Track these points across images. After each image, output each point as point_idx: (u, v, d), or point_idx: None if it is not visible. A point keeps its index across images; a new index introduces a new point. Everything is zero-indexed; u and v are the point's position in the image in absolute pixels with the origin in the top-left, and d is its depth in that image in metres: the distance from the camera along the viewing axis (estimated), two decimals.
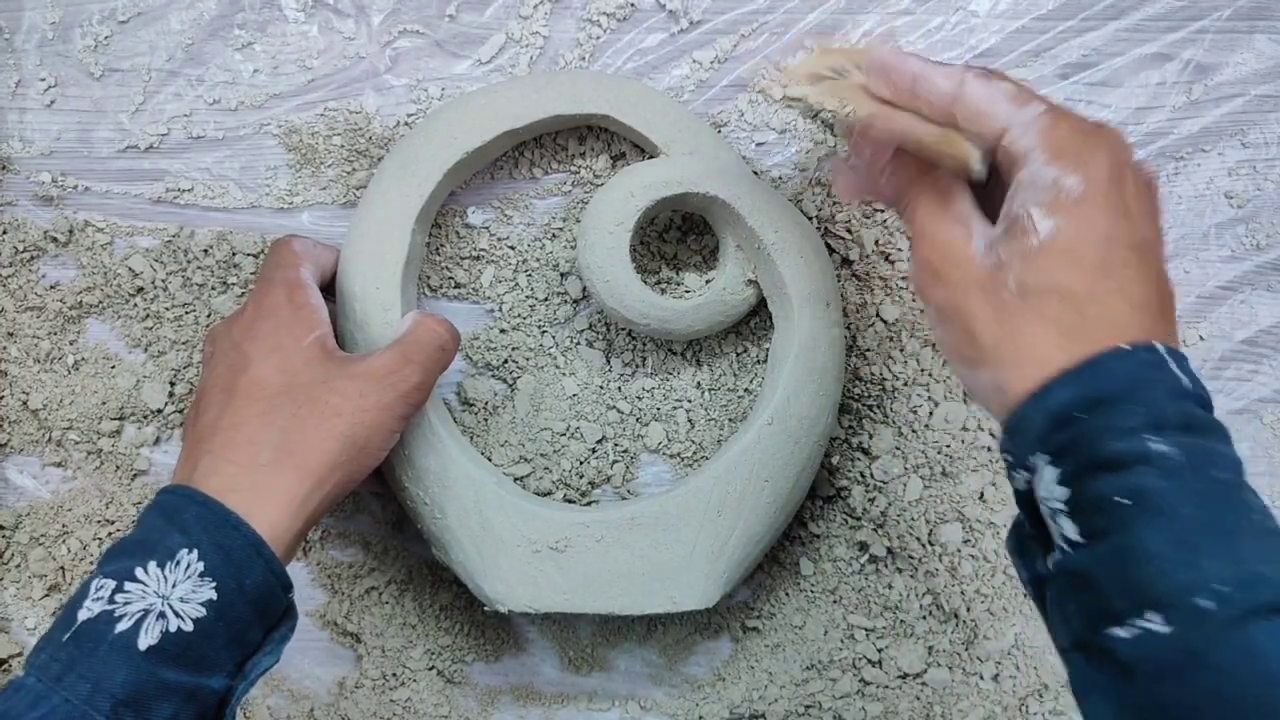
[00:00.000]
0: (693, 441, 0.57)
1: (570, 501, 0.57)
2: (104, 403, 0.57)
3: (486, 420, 0.57)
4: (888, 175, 0.42)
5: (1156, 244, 0.38)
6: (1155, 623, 0.32)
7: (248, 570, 0.41)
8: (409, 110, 0.56)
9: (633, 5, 0.56)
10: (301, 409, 0.45)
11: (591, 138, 0.56)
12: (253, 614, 0.42)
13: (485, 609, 0.53)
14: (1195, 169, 0.57)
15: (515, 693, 0.59)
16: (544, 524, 0.52)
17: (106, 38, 0.57)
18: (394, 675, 0.58)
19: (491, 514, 0.52)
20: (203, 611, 0.40)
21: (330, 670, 0.59)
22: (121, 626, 0.39)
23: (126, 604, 0.39)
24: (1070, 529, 0.34)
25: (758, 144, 0.56)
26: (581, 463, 0.57)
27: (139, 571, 0.40)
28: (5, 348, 0.58)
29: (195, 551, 0.41)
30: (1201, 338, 0.57)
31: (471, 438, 0.57)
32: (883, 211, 0.56)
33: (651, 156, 0.54)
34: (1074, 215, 0.36)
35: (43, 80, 0.57)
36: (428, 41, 0.57)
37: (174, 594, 0.40)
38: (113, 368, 0.58)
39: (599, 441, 0.57)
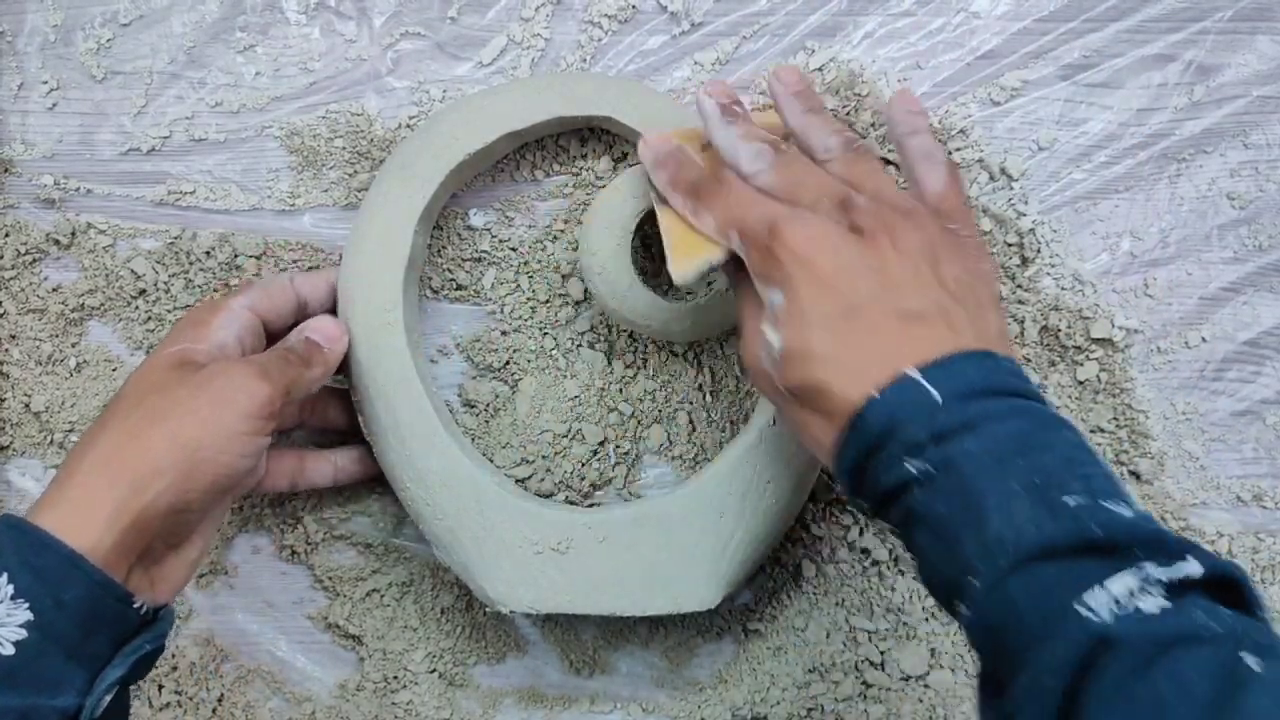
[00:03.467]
0: (694, 443, 0.57)
1: (572, 503, 0.57)
2: (106, 405, 0.57)
3: (488, 422, 0.57)
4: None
5: (887, 277, 0.40)
6: (962, 609, 0.37)
7: (65, 586, 0.40)
8: (410, 112, 0.56)
9: (634, 7, 0.56)
10: (131, 417, 0.44)
11: (593, 139, 0.56)
12: (82, 629, 0.41)
13: (487, 610, 0.53)
14: (1197, 170, 0.57)
15: (517, 695, 0.59)
16: (546, 525, 0.52)
17: (108, 40, 0.57)
18: (395, 678, 0.58)
19: (493, 514, 0.52)
20: (22, 634, 0.39)
21: (331, 673, 0.59)
22: None
23: None
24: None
25: None
26: (583, 465, 0.57)
27: None
28: (7, 350, 0.58)
29: (4, 575, 0.40)
30: (1204, 339, 0.57)
31: (473, 439, 0.57)
32: None
33: None
34: (788, 325, 0.40)
35: (45, 83, 0.57)
36: (429, 44, 0.57)
37: None
38: (115, 370, 0.58)
39: (600, 443, 0.57)
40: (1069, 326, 0.56)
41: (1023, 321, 0.56)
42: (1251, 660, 0.30)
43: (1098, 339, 0.56)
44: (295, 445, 0.56)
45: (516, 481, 0.56)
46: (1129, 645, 0.31)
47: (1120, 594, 0.33)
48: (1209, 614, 0.32)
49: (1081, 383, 0.57)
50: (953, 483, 0.36)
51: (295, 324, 0.52)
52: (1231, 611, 0.33)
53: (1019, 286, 0.56)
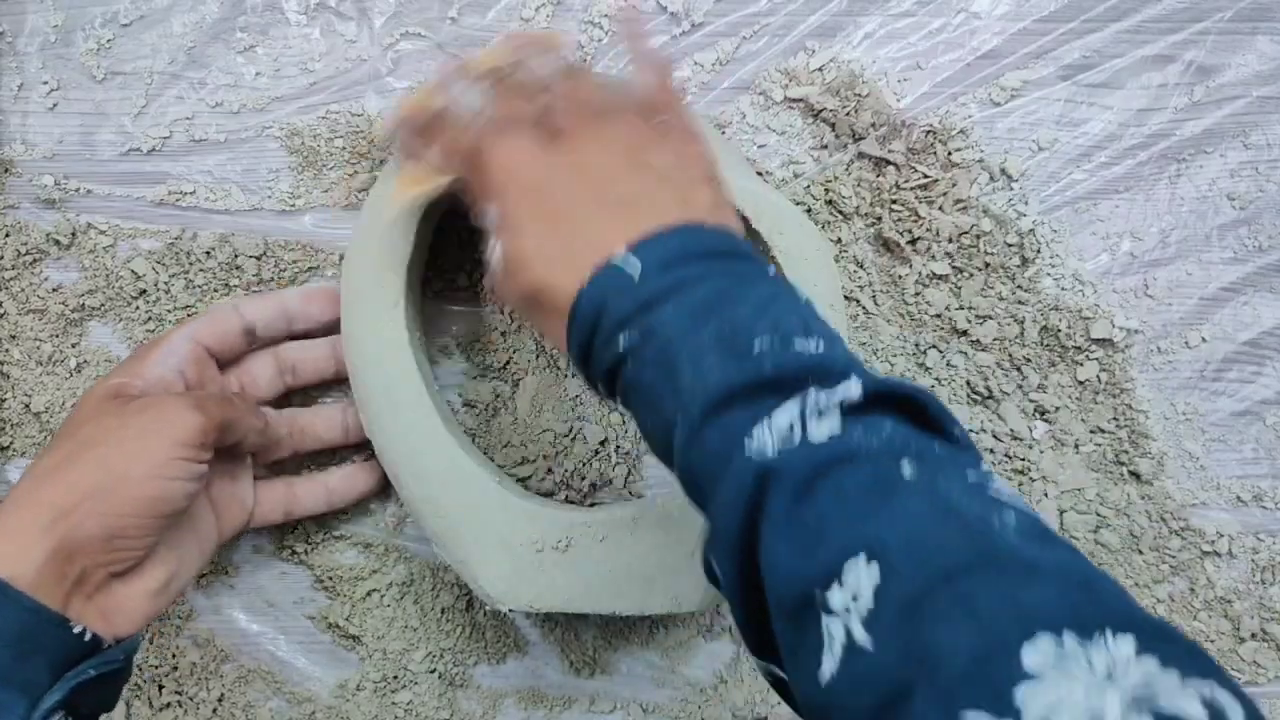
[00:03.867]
0: None
1: (572, 503, 0.57)
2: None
3: (488, 422, 0.57)
4: None
5: (588, 173, 0.41)
6: (674, 469, 0.37)
7: None
8: None
9: (634, 7, 0.56)
10: (63, 448, 0.45)
11: None
12: (14, 655, 0.41)
13: (487, 610, 0.53)
14: (1197, 171, 0.57)
15: (517, 695, 0.59)
16: (547, 523, 0.52)
17: (109, 41, 0.57)
18: (395, 678, 0.58)
19: (494, 513, 0.52)
20: None
21: (332, 673, 0.59)
22: None
23: None
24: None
25: (759, 146, 0.56)
26: (584, 464, 0.57)
27: None
28: (8, 350, 0.58)
29: None
30: (1204, 339, 0.57)
31: (473, 439, 0.57)
32: (887, 212, 0.56)
33: None
34: (504, 235, 0.41)
35: (45, 83, 0.57)
36: (429, 44, 0.57)
37: None
38: None
39: (601, 443, 0.57)
40: (1069, 327, 0.56)
41: (1023, 322, 0.56)
42: (908, 468, 0.32)
43: (1098, 339, 0.56)
44: (285, 474, 0.56)
45: (517, 480, 0.56)
46: (789, 473, 0.32)
47: (782, 425, 0.33)
48: (870, 431, 0.33)
49: (1082, 383, 0.57)
50: (653, 349, 0.37)
51: (246, 350, 0.53)
52: (896, 426, 0.33)
53: (1019, 287, 0.56)
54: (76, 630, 0.43)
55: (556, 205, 0.41)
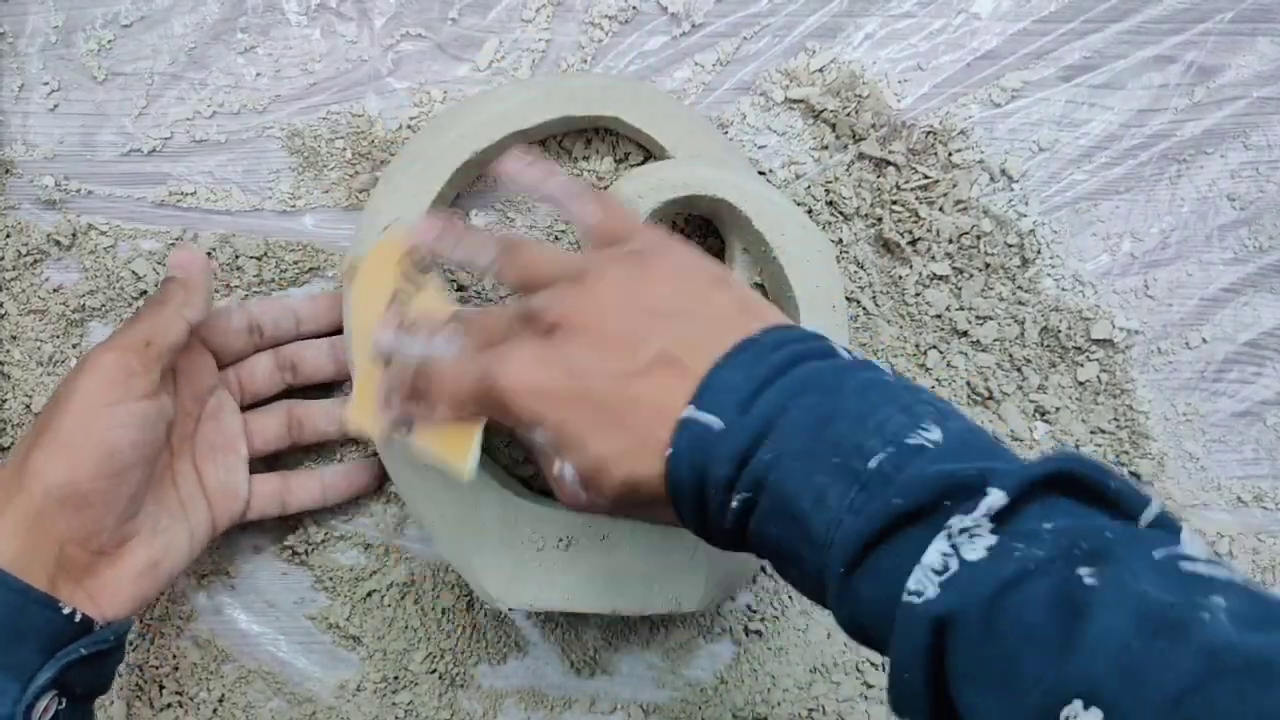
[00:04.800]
0: None
1: None
2: None
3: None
4: None
5: (602, 351, 0.38)
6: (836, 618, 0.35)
7: None
8: (411, 114, 0.56)
9: (635, 8, 0.56)
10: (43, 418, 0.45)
11: (597, 140, 0.56)
12: (3, 637, 0.41)
13: (488, 611, 0.53)
14: (1198, 171, 0.57)
15: (518, 696, 0.59)
16: (548, 522, 0.52)
17: (109, 41, 0.57)
18: (396, 678, 0.58)
19: (495, 511, 0.52)
20: None
21: (332, 673, 0.59)
22: None
23: None
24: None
25: (760, 146, 0.56)
26: None
27: None
28: (8, 351, 0.58)
29: None
30: (1204, 340, 0.57)
31: None
32: (888, 212, 0.56)
33: (656, 159, 0.54)
34: (566, 453, 0.38)
35: (46, 84, 0.57)
36: (430, 44, 0.57)
37: None
38: None
39: None
40: (1069, 327, 0.56)
41: (1023, 322, 0.56)
42: (1087, 574, 0.28)
43: (1098, 340, 0.56)
44: (280, 468, 0.56)
45: (519, 479, 0.56)
46: (963, 617, 0.29)
47: (935, 563, 0.30)
48: (1031, 540, 0.30)
49: (1082, 383, 0.57)
50: (770, 502, 0.34)
51: (250, 349, 0.53)
52: (1056, 520, 0.31)
53: (1019, 287, 0.56)
54: (66, 611, 0.43)
55: (598, 397, 0.37)
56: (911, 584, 0.31)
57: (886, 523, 0.32)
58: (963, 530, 0.31)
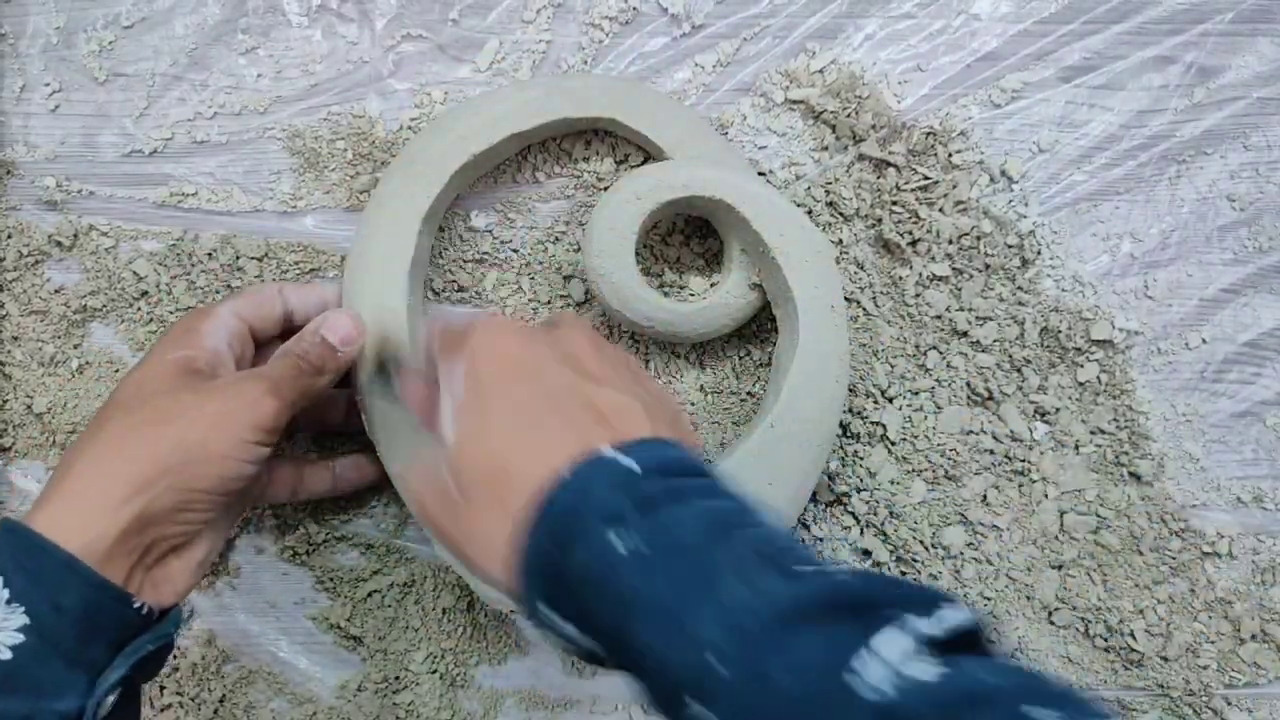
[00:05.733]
0: None
1: None
2: (100, 408, 0.57)
3: None
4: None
5: (557, 377, 0.40)
6: (695, 707, 0.32)
7: (63, 590, 0.41)
8: (412, 114, 0.56)
9: (635, 9, 0.56)
10: (134, 416, 0.45)
11: (596, 141, 0.56)
12: (80, 633, 0.41)
13: (488, 611, 0.53)
14: (1198, 172, 0.57)
15: (518, 696, 0.59)
16: None
17: (111, 43, 0.57)
18: (397, 678, 0.58)
19: None
20: (20, 638, 0.40)
21: (333, 673, 0.59)
22: None
23: None
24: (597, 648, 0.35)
25: (760, 147, 0.56)
26: None
27: None
28: (10, 351, 0.58)
29: (0, 579, 0.40)
30: (1204, 340, 0.57)
31: None
32: (889, 213, 0.56)
33: (655, 160, 0.54)
34: (459, 424, 0.40)
35: (47, 85, 0.57)
36: (430, 45, 0.57)
37: None
38: (117, 371, 0.58)
39: None
40: (1069, 328, 0.56)
41: (1023, 323, 0.56)
42: (1040, 714, 0.28)
43: (1098, 340, 0.56)
44: (295, 454, 0.56)
45: None
46: (916, 717, 0.28)
47: (893, 658, 0.30)
48: (986, 670, 0.30)
49: (1082, 384, 0.57)
50: (670, 556, 0.33)
51: (283, 334, 0.52)
52: (1005, 663, 0.31)
53: (1019, 288, 0.56)
54: (136, 605, 0.43)
55: (542, 395, 0.39)
56: (859, 668, 0.30)
57: (824, 600, 0.31)
58: (923, 634, 0.30)
